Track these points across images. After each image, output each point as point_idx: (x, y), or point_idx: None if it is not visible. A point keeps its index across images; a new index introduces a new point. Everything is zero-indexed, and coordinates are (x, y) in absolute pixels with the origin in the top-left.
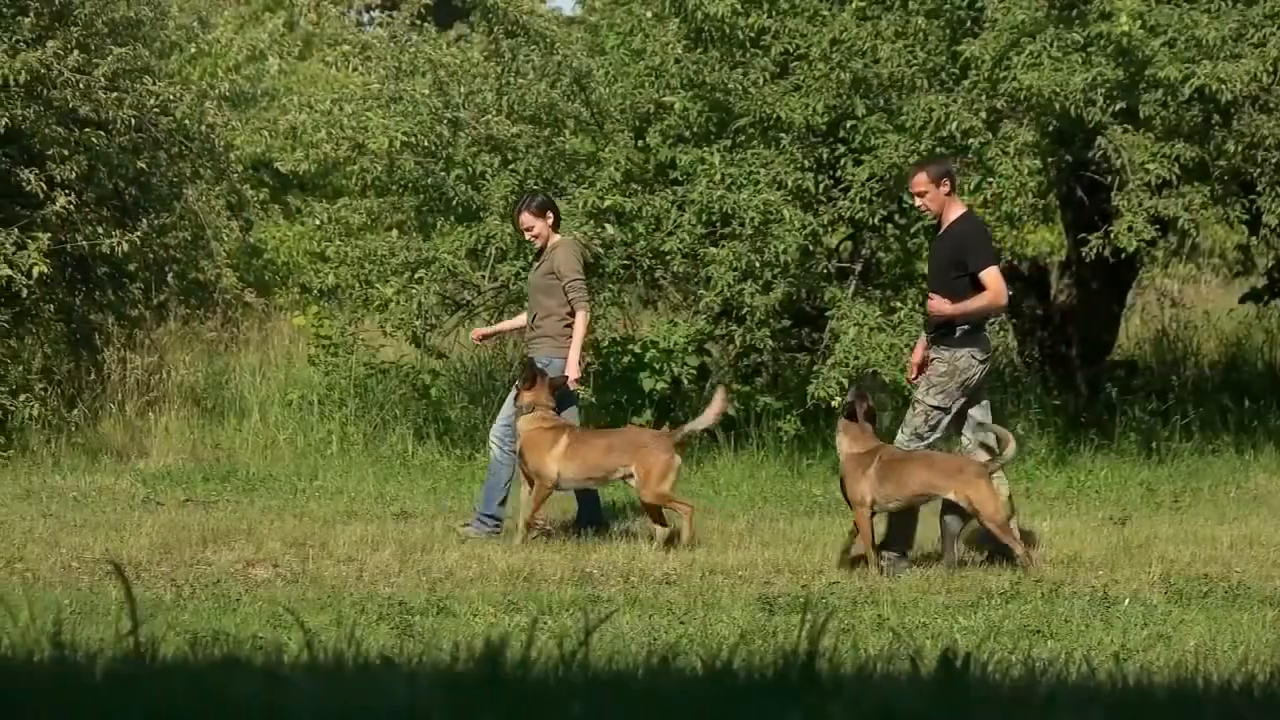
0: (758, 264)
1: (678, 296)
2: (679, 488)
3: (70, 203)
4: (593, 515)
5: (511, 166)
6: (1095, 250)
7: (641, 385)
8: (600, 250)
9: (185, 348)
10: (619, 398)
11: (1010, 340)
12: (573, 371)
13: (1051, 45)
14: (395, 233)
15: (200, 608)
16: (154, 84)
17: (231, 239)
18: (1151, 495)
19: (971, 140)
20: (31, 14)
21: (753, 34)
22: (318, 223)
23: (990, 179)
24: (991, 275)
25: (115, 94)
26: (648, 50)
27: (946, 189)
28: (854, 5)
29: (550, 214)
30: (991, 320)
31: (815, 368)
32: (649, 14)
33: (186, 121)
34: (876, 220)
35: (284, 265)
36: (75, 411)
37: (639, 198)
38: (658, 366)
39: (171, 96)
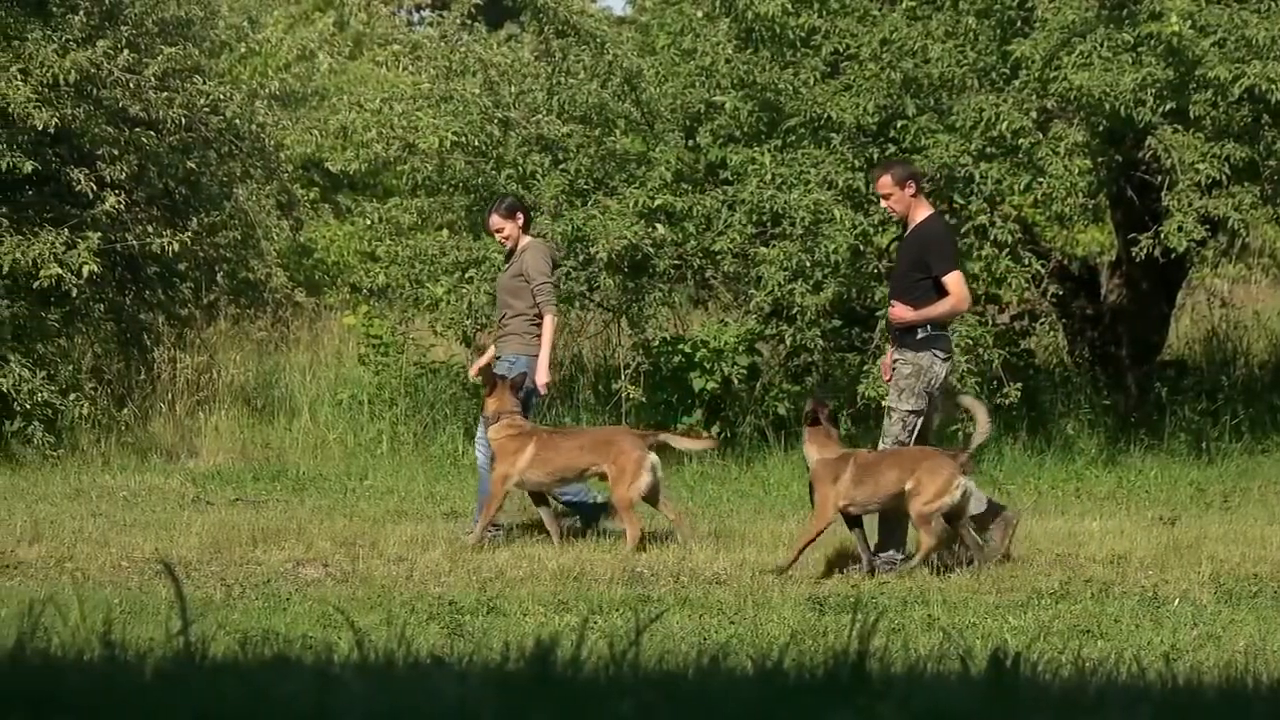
0: (808, 264)
1: (728, 296)
2: (665, 491)
3: (120, 202)
4: (590, 515)
5: (562, 166)
6: (1145, 250)
7: (692, 385)
8: (650, 250)
9: (235, 347)
10: (669, 397)
11: (1060, 340)
12: (541, 377)
13: (1102, 45)
14: (446, 232)
15: (250, 607)
16: (204, 83)
17: (282, 238)
18: (1201, 495)
19: (1022, 140)
20: (81, 13)
21: (803, 34)
22: (368, 222)
23: (1040, 179)
24: (953, 279)
25: (165, 93)
26: (698, 50)
27: (911, 191)
28: (904, 5)
29: (520, 216)
30: (955, 323)
31: (865, 367)
32: (699, 14)
33: (237, 121)
34: None
35: (334, 265)
36: (125, 411)
37: (689, 197)
38: (708, 366)
39: (222, 96)
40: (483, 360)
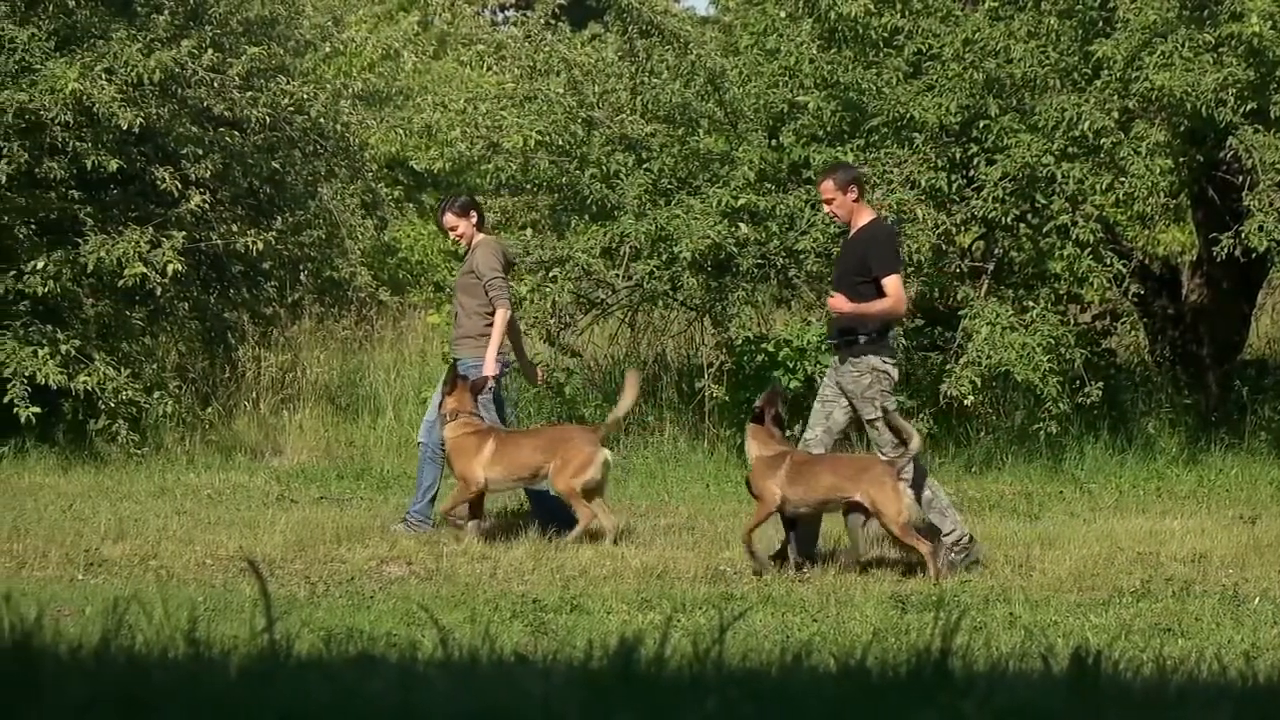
0: None
1: (811, 295)
2: (612, 482)
3: (205, 201)
4: (554, 513)
5: (646, 166)
6: (1226, 250)
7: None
8: (733, 249)
9: (319, 346)
10: (752, 396)
11: (1142, 339)
12: (488, 369)
13: (1183, 46)
14: (530, 231)
15: (334, 605)
16: (288, 83)
17: (366, 237)
18: None
19: (1104, 140)
20: (166, 13)
21: (886, 34)
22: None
23: (1122, 179)
24: (892, 282)
25: (250, 93)
26: (781, 50)
27: (854, 195)
28: (987, 5)
29: (473, 214)
30: (896, 327)
31: (948, 366)
32: (782, 14)
33: (321, 120)
34: (1009, 220)
35: (418, 264)
36: (209, 409)
37: (773, 197)
38: (791, 365)
39: (306, 95)
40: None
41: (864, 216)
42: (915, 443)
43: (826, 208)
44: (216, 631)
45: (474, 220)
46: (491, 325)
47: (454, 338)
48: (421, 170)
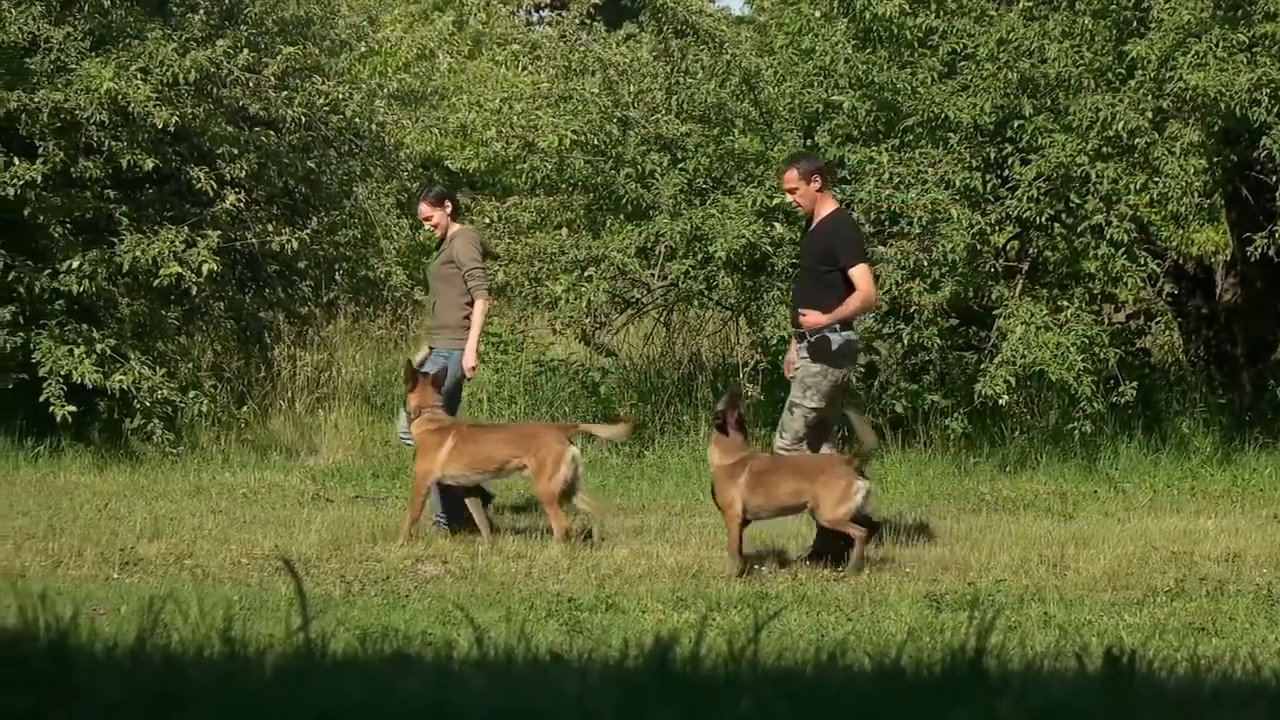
0: (925, 263)
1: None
2: (586, 485)
3: (240, 201)
4: (455, 515)
5: (681, 165)
6: (1260, 249)
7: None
8: (768, 249)
9: (355, 345)
10: (787, 395)
11: (1176, 339)
12: (469, 360)
13: (1217, 45)
14: (565, 231)
15: (370, 604)
16: (324, 83)
17: (401, 237)
18: None
19: (1138, 140)
20: (201, 12)
21: (920, 34)
22: (487, 221)
23: (1156, 178)
24: (860, 272)
25: (285, 92)
26: (816, 50)
27: (817, 185)
28: (1021, 5)
29: (448, 204)
30: (858, 322)
31: (982, 366)
32: (817, 14)
33: (356, 120)
34: (1044, 219)
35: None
36: (245, 408)
37: None
38: None
39: (341, 95)
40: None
41: (827, 207)
42: (870, 443)
43: (789, 197)
44: (252, 630)
45: (449, 210)
46: (469, 316)
47: (432, 327)
48: (457, 170)
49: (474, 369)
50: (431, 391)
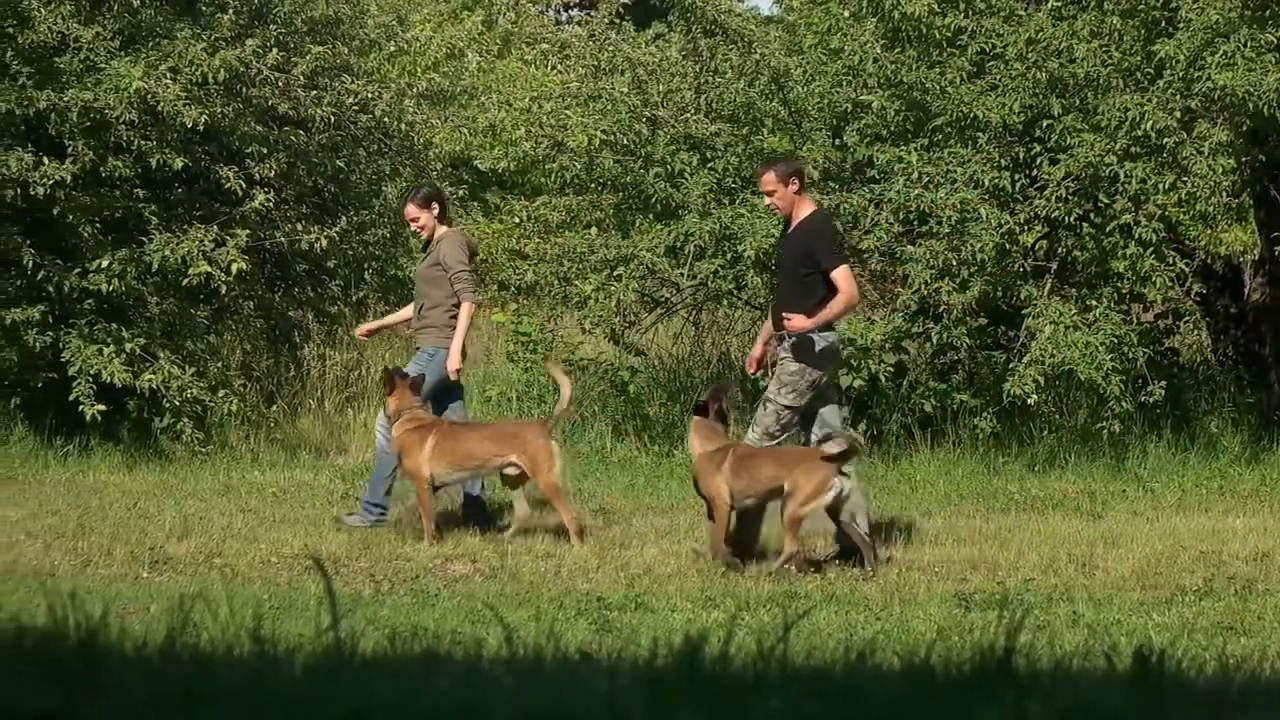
0: (954, 262)
1: (875, 294)
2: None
3: (269, 200)
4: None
5: (710, 165)
6: None
7: (839, 383)
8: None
9: (384, 344)
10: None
11: (1204, 338)
12: (453, 362)
13: (1245, 45)
14: (594, 230)
15: (399, 603)
16: (353, 82)
17: None
18: None
19: (1166, 140)
20: (230, 12)
21: (949, 33)
22: (516, 220)
23: (1185, 178)
24: (841, 273)
25: (314, 92)
26: (845, 49)
27: (795, 187)
28: (1050, 5)
29: (436, 205)
30: (840, 324)
31: (1011, 366)
32: (846, 13)
33: (385, 119)
34: (1072, 219)
35: (483, 262)
36: (274, 408)
37: (836, 196)
38: (855, 364)
39: (370, 94)
40: (375, 325)
41: (805, 209)
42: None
43: (767, 199)
44: (281, 629)
45: (436, 212)
46: (455, 316)
47: (416, 328)
48: (486, 170)
49: (458, 371)
50: (410, 394)
